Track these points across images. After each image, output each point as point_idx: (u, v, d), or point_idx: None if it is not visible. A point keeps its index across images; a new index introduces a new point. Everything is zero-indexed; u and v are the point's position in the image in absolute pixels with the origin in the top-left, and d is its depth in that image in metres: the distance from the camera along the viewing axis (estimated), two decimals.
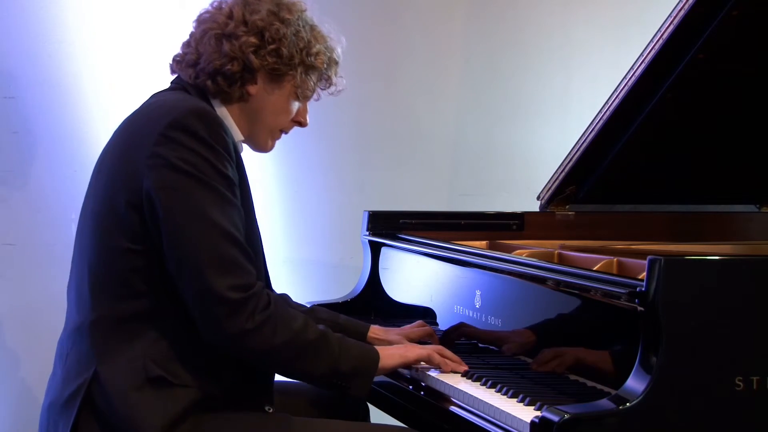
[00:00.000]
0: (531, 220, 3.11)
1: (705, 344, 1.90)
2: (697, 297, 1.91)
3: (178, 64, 2.34)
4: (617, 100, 2.79)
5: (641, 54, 2.70)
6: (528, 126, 4.11)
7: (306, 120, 2.42)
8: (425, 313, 2.73)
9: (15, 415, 3.51)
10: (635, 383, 1.89)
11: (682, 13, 2.57)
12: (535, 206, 3.16)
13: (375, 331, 2.56)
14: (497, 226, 3.09)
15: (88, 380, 2.14)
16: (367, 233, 3.02)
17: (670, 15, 2.61)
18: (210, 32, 2.29)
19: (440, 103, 4.06)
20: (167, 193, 2.11)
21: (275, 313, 2.15)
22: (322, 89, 2.41)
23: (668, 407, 1.88)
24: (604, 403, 1.90)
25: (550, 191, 3.08)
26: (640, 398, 1.86)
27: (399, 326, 2.80)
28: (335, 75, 2.42)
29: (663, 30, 2.63)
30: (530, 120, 4.11)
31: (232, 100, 2.31)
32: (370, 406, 2.68)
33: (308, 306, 2.64)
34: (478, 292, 2.51)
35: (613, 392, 1.92)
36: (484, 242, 3.02)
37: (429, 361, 2.36)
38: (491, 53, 4.10)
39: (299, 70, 2.32)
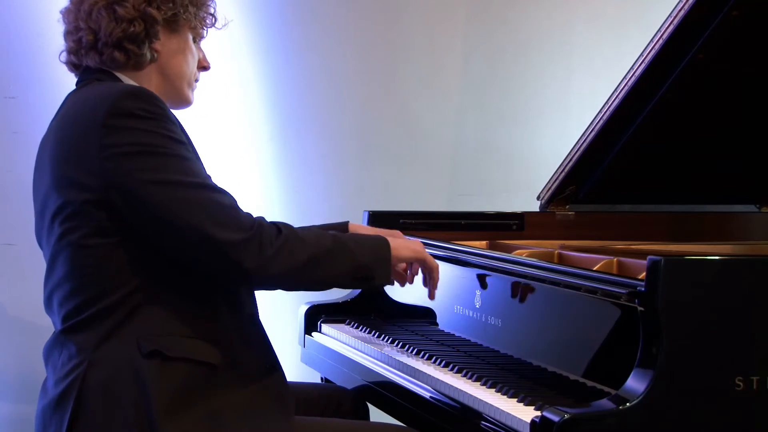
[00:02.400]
0: (531, 220, 3.11)
1: (705, 344, 1.90)
2: (697, 297, 1.91)
3: (75, 55, 2.31)
4: (617, 100, 2.79)
5: (641, 54, 2.70)
6: (528, 126, 4.11)
7: (208, 62, 2.43)
8: (425, 313, 2.73)
9: (15, 415, 3.51)
10: (635, 383, 1.89)
11: (682, 13, 2.57)
12: (535, 206, 3.16)
13: (352, 227, 2.56)
14: (497, 226, 3.09)
15: (81, 375, 2.14)
16: None
17: (670, 15, 2.61)
18: (96, 6, 2.26)
19: (440, 103, 4.06)
20: (134, 179, 2.11)
21: (288, 235, 2.18)
22: (210, 26, 2.40)
23: (668, 407, 1.88)
24: (604, 403, 1.90)
25: (550, 191, 3.08)
26: (640, 398, 1.86)
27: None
28: (215, 9, 2.41)
29: (663, 30, 2.63)
30: (530, 120, 4.11)
31: (144, 64, 2.29)
32: (370, 406, 2.68)
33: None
34: (478, 292, 2.51)
35: (613, 392, 1.92)
36: (484, 242, 3.02)
37: (427, 265, 2.43)
38: (491, 53, 4.10)
39: (192, 11, 2.32)
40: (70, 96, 2.31)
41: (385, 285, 2.41)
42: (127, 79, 2.28)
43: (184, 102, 2.39)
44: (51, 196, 2.20)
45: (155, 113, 2.15)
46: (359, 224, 2.63)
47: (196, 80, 2.41)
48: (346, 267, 2.26)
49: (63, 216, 2.18)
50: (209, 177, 2.20)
